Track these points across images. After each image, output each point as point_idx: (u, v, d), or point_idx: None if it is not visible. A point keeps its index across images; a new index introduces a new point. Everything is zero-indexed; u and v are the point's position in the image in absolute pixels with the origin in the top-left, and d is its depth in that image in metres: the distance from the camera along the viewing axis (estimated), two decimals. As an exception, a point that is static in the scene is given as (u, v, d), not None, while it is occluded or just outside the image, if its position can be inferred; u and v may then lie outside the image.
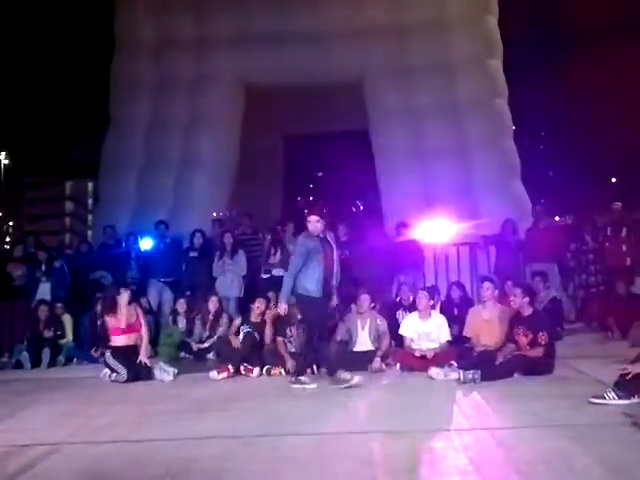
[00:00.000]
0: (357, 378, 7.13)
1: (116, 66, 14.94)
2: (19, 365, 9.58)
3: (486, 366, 7.29)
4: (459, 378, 7.15)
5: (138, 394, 7.44)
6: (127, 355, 8.32)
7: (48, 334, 9.94)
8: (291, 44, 13.90)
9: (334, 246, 7.57)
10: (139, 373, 8.15)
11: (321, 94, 14.99)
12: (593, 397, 5.86)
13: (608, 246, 11.29)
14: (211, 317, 9.98)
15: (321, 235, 7.51)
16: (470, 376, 7.08)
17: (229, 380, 7.96)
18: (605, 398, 5.81)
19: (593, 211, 14.57)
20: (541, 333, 7.44)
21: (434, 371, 7.53)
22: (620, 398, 5.77)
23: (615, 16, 26.42)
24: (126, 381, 8.02)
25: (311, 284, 7.29)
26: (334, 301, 7.71)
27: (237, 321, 9.36)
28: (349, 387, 7.06)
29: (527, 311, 7.73)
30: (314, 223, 7.46)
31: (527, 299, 7.73)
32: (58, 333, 10.05)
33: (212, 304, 10.00)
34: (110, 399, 7.21)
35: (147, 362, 8.39)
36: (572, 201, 31.79)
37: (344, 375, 7.15)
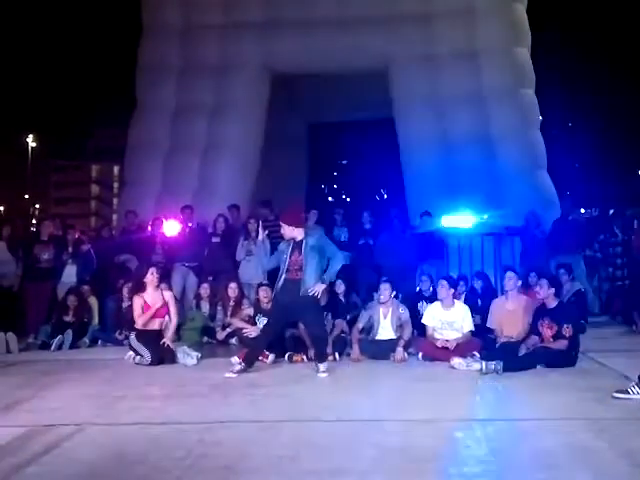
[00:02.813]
0: (325, 374, 7.37)
1: (143, 50, 14.97)
2: (44, 346, 9.69)
3: (509, 357, 7.27)
4: (481, 369, 7.13)
5: (162, 377, 7.49)
6: (151, 339, 8.36)
7: (73, 319, 10.04)
8: (318, 31, 13.84)
9: (303, 249, 7.62)
10: (163, 356, 8.20)
11: (347, 81, 14.95)
12: (617, 392, 5.82)
13: (634, 239, 11.16)
14: (232, 303, 10.02)
15: (298, 238, 7.69)
16: (492, 367, 7.05)
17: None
18: (629, 393, 5.76)
19: (622, 203, 14.41)
20: (566, 325, 7.38)
21: (456, 361, 7.51)
22: (644, 393, 5.72)
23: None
24: (150, 364, 8.07)
25: (278, 282, 7.80)
26: (314, 288, 7.58)
27: (247, 310, 9.45)
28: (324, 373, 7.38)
29: (552, 303, 7.68)
30: (284, 229, 7.80)
31: (553, 290, 7.68)
32: (85, 320, 10.16)
33: (231, 291, 10.04)
34: (134, 381, 7.27)
35: (171, 345, 8.45)
36: (598, 193, 31.47)
37: (321, 366, 7.47)
